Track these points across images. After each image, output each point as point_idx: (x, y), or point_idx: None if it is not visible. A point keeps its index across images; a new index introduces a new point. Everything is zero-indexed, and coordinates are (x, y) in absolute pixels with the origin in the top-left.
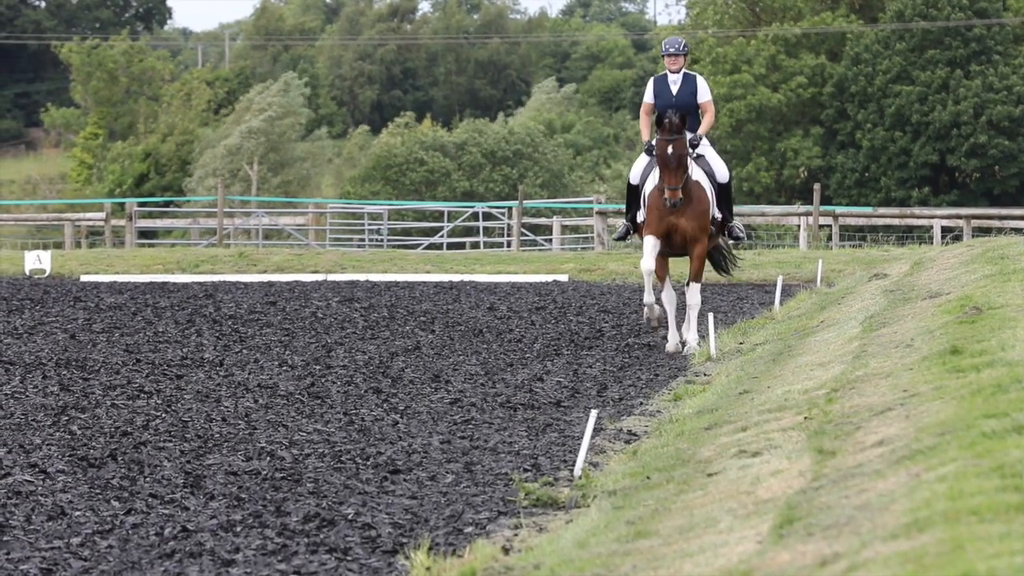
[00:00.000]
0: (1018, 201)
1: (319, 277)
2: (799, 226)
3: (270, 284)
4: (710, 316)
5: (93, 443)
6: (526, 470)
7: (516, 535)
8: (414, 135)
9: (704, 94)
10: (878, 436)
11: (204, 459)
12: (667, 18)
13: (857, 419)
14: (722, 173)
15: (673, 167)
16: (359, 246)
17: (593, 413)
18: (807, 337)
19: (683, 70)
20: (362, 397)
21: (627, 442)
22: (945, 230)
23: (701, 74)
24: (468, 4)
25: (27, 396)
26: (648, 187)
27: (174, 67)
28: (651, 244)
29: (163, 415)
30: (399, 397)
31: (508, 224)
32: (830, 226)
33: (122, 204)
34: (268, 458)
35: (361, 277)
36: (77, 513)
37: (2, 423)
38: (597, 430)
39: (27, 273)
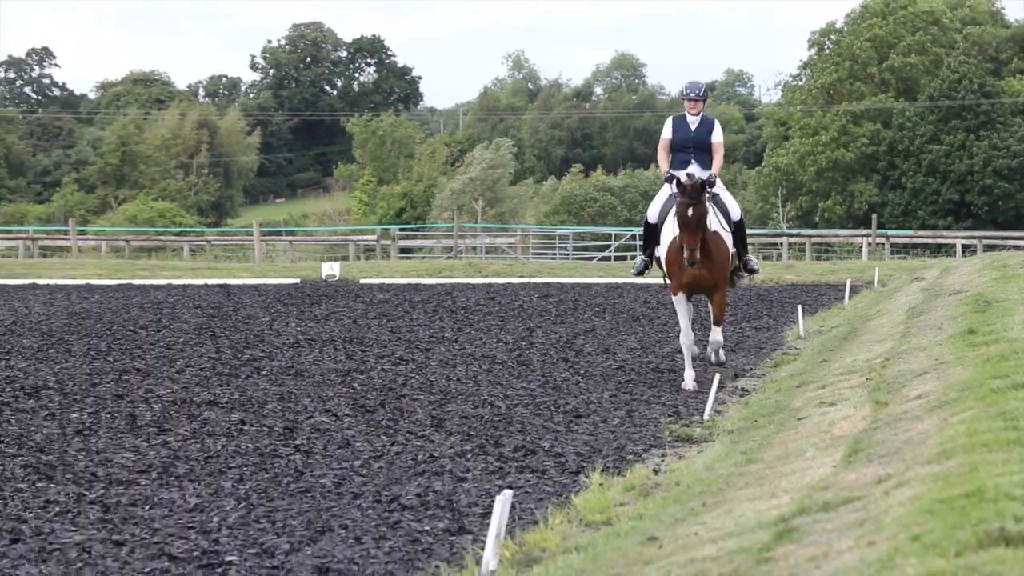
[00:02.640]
0: (1016, 226)
1: (524, 280)
2: (862, 244)
3: (490, 285)
4: (799, 307)
5: (368, 395)
6: (669, 416)
7: (663, 461)
8: (590, 181)
9: (717, 136)
10: (918, 392)
11: (445, 407)
12: (768, 98)
13: (903, 379)
14: (735, 211)
15: (692, 228)
16: (551, 258)
17: (717, 375)
18: (867, 322)
19: (701, 113)
20: (554, 364)
21: (741, 396)
22: (964, 247)
23: (716, 119)
24: (629, 88)
25: (323, 363)
26: (666, 229)
27: (423, 134)
28: (683, 310)
29: (416, 376)
30: (580, 364)
31: None
32: (883, 244)
33: (387, 229)
34: (489, 407)
35: (553, 280)
36: (357, 444)
37: (307, 381)
38: (720, 387)
39: (324, 278)
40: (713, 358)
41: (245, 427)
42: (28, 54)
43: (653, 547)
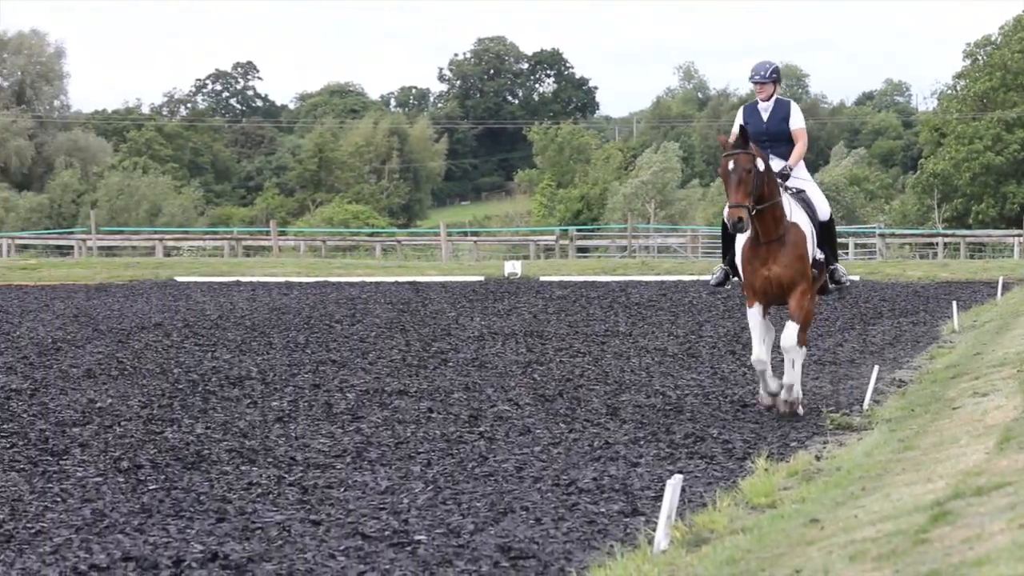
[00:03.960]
0: None
1: (694, 278)
2: (1014, 244)
3: (661, 282)
4: (953, 303)
5: (547, 386)
6: (830, 405)
7: (824, 448)
8: None
9: (796, 121)
10: None
11: (619, 396)
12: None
13: None
14: (823, 211)
15: (735, 183)
16: (719, 257)
17: (876, 367)
18: (1019, 317)
19: (775, 96)
20: (722, 356)
21: (898, 387)
22: None
23: (794, 100)
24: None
25: (506, 355)
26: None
27: (599, 141)
28: (756, 325)
29: (592, 368)
30: (746, 356)
31: None
32: None
33: (566, 230)
34: (661, 396)
35: None
36: (537, 431)
37: (490, 372)
38: (878, 379)
39: (506, 276)
40: (784, 397)
41: (433, 415)
42: (234, 67)
43: (815, 529)
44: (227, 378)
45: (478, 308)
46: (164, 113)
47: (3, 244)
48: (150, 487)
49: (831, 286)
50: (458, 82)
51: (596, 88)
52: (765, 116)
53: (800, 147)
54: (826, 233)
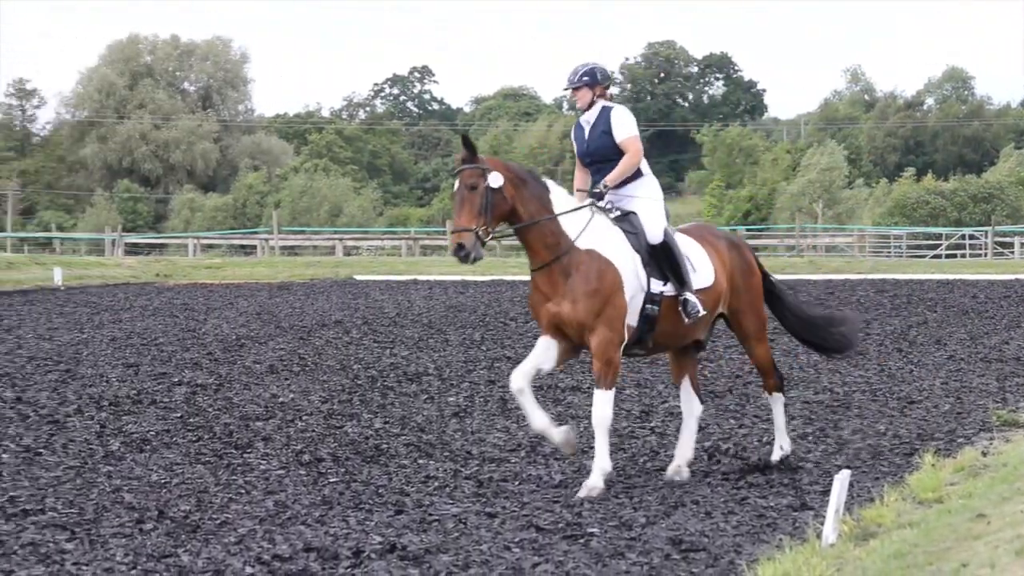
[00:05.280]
0: None
1: (861, 277)
2: None
3: (829, 281)
4: None
5: (717, 383)
6: (996, 402)
7: (991, 444)
8: (921, 184)
9: (621, 129)
10: None
11: (787, 393)
12: None
13: None
14: (653, 233)
15: (457, 204)
16: (886, 257)
17: None
18: None
19: (599, 104)
20: (889, 354)
21: None
22: None
23: (620, 104)
24: (959, 99)
25: None
26: None
27: (767, 142)
28: (538, 344)
29: None
30: (913, 354)
31: (984, 242)
32: None
33: (735, 229)
34: (828, 393)
35: (888, 277)
36: (708, 427)
37: (661, 369)
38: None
39: None
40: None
41: None
42: (410, 72)
43: (981, 523)
44: (405, 374)
45: None
46: (343, 117)
47: (189, 244)
48: (330, 480)
49: (686, 320)
50: (629, 85)
51: (764, 91)
52: (587, 131)
53: (626, 160)
54: (662, 257)
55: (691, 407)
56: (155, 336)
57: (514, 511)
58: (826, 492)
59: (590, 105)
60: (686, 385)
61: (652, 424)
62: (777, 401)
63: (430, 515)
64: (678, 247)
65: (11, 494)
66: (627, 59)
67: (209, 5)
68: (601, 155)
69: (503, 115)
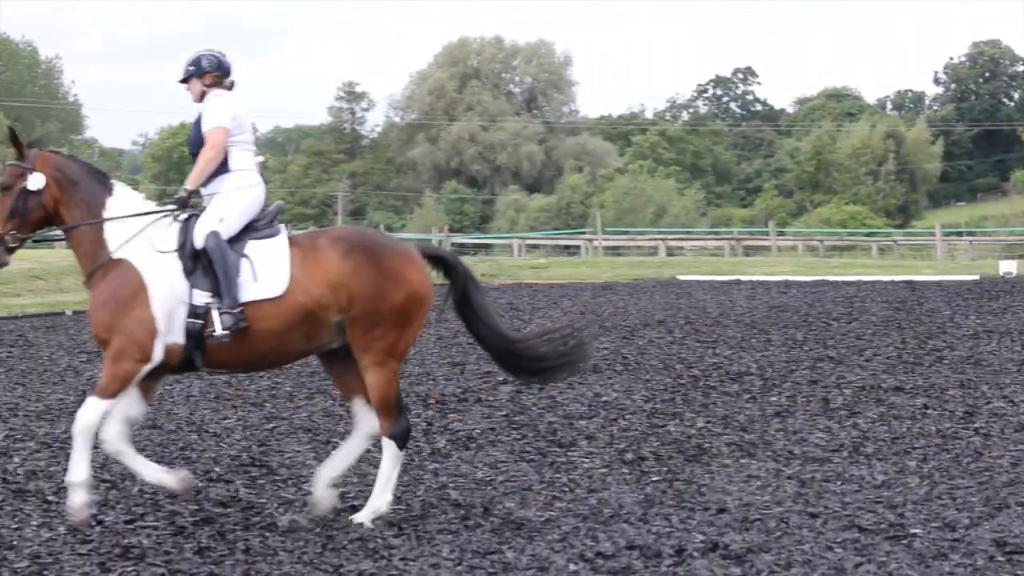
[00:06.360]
0: None
1: None
2: None
3: None
4: None
5: None
6: None
7: None
8: None
9: (209, 119)
10: None
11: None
12: None
13: None
14: (198, 238)
15: None
16: None
17: None
18: None
19: (210, 93)
20: None
21: None
22: None
23: (228, 92)
24: None
25: (1001, 353)
26: None
27: None
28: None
29: None
30: None
31: None
32: None
33: None
34: None
35: None
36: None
37: (985, 370)
38: None
39: (1001, 275)
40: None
41: (928, 411)
42: (733, 73)
43: None
44: (727, 374)
45: (973, 307)
46: (667, 118)
47: (514, 244)
48: (653, 479)
49: (218, 336)
50: (953, 85)
51: None
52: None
53: (202, 155)
54: (208, 264)
55: (362, 428)
56: None
57: (836, 511)
58: None
59: (202, 97)
60: (359, 403)
61: (976, 425)
62: (388, 448)
63: (752, 515)
64: (221, 252)
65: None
66: (951, 59)
67: (530, 6)
68: (198, 149)
69: (826, 116)
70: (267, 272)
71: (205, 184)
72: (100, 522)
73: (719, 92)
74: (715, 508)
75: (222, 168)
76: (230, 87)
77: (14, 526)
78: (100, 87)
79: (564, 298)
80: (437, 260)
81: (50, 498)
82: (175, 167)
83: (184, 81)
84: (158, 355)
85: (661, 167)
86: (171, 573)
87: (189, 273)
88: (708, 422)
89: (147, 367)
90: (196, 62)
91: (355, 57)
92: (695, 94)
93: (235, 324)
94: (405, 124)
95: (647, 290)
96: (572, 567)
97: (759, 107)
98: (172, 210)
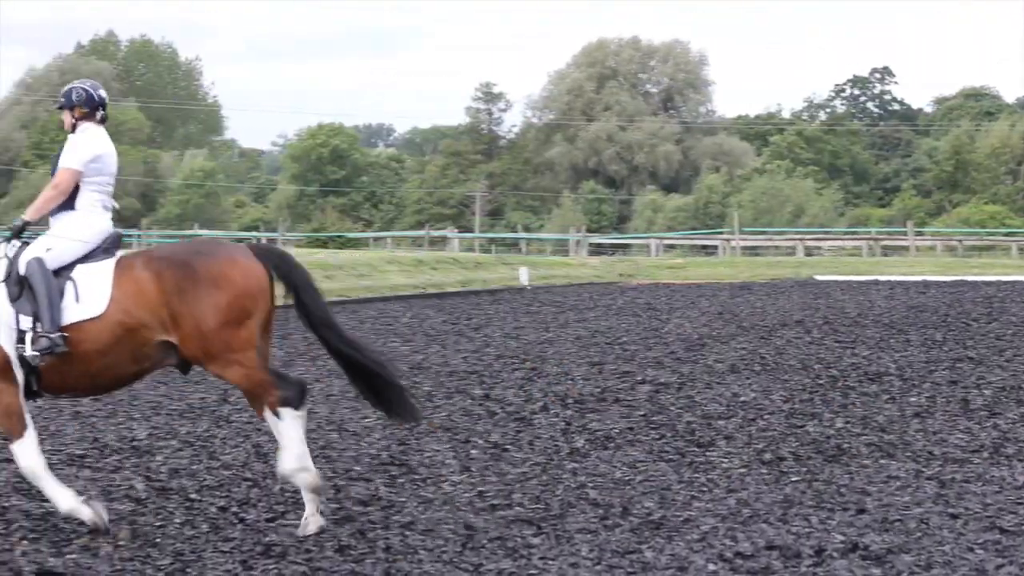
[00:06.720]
0: None
1: None
2: None
3: None
4: None
5: None
6: None
7: None
8: None
9: (63, 157)
10: None
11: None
12: None
13: None
14: (22, 264)
15: None
16: None
17: None
18: None
19: (81, 126)
20: None
21: None
22: None
23: (99, 129)
24: None
25: None
26: None
27: None
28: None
29: None
30: None
31: None
32: None
33: None
34: None
35: None
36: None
37: None
38: None
39: None
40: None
41: None
42: (870, 72)
43: None
44: (866, 374)
45: None
46: (804, 118)
47: (651, 244)
48: (792, 479)
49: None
50: None
51: None
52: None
53: (44, 192)
54: (29, 291)
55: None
56: (619, 335)
57: (976, 512)
58: None
59: (73, 128)
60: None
61: None
62: (287, 418)
63: (892, 515)
64: (42, 277)
65: (480, 489)
66: None
67: (665, 6)
68: None
69: (964, 115)
70: (89, 294)
71: (50, 216)
72: (242, 520)
73: (856, 92)
74: (855, 509)
75: (67, 204)
76: (102, 121)
77: (157, 524)
78: (240, 88)
79: (701, 298)
80: (268, 259)
81: (192, 496)
82: (314, 168)
83: (58, 109)
84: (19, 375)
85: (799, 167)
86: (312, 571)
87: (14, 299)
88: (847, 422)
89: (18, 389)
90: (67, 95)
91: (492, 58)
92: (832, 94)
93: (51, 346)
94: (543, 124)
95: (785, 290)
96: (711, 567)
97: (896, 107)
98: (6, 238)
